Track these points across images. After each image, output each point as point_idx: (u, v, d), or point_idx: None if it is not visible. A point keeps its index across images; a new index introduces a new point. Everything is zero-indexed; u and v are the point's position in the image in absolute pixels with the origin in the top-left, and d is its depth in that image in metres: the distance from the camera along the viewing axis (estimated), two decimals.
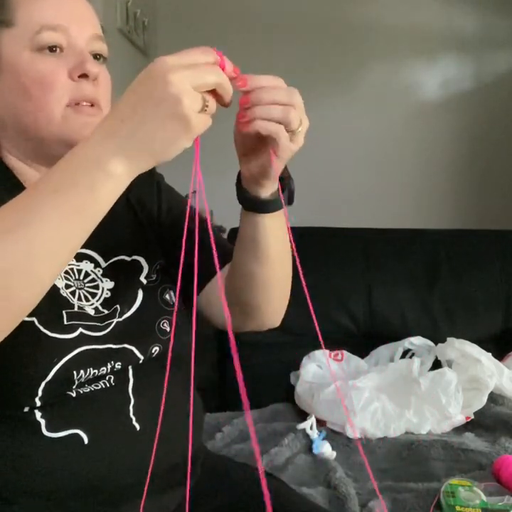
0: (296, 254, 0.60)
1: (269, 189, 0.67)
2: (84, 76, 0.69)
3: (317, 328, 0.54)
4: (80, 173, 0.51)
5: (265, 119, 0.57)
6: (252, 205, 0.69)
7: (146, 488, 0.55)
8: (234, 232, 1.74)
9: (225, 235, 1.86)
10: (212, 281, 0.83)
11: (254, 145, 0.62)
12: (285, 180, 0.68)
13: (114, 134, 0.51)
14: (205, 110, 0.51)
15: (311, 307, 0.55)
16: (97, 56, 0.72)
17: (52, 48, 0.68)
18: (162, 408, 0.64)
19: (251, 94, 0.56)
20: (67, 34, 0.68)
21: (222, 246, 0.87)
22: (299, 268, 0.60)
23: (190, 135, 0.51)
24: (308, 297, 0.56)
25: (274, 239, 0.72)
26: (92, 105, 0.70)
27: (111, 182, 0.51)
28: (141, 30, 2.31)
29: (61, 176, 0.52)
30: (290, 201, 0.70)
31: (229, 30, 2.65)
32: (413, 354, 1.57)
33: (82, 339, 0.68)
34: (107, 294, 0.74)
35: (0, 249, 0.49)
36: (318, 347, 1.57)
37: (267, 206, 0.69)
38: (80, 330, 0.68)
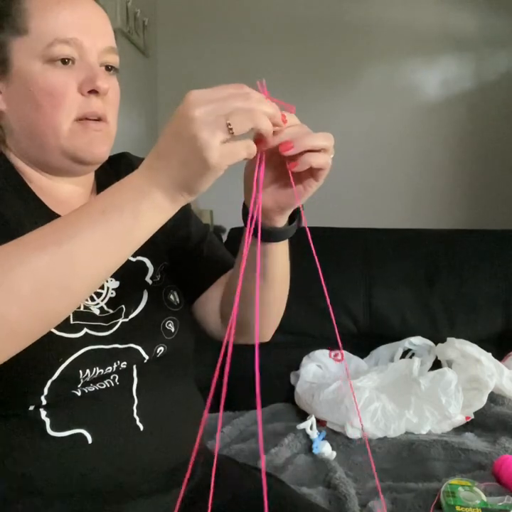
0: (314, 254, 0.60)
1: (287, 217, 0.66)
2: (93, 92, 0.69)
3: (336, 330, 0.54)
4: (127, 199, 0.52)
5: (312, 151, 0.56)
6: (270, 235, 0.67)
7: (185, 481, 0.54)
8: (234, 231, 1.74)
9: (225, 235, 1.85)
10: (208, 291, 0.85)
11: (279, 175, 0.61)
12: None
13: (151, 168, 0.52)
14: (232, 133, 0.49)
15: (331, 309, 0.55)
16: (108, 67, 0.72)
17: (64, 61, 0.68)
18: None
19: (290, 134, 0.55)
20: (80, 47, 0.68)
21: (221, 255, 0.87)
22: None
23: (214, 170, 0.50)
24: (327, 300, 0.56)
25: (282, 263, 0.72)
26: (99, 119, 0.70)
27: (152, 211, 0.52)
28: (141, 30, 2.31)
29: (109, 200, 0.53)
30: (299, 223, 0.69)
31: (229, 30, 2.65)
32: (413, 354, 1.57)
33: (88, 339, 0.68)
34: (112, 293, 0.74)
35: (44, 261, 0.50)
36: (318, 347, 1.57)
37: (285, 234, 0.68)
38: (85, 330, 0.69)
